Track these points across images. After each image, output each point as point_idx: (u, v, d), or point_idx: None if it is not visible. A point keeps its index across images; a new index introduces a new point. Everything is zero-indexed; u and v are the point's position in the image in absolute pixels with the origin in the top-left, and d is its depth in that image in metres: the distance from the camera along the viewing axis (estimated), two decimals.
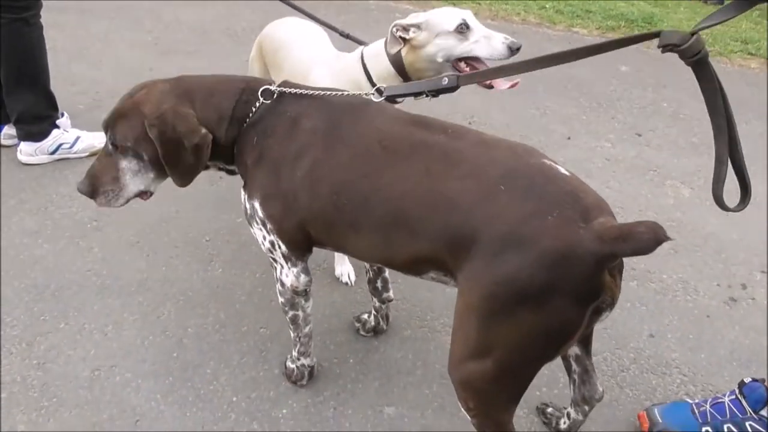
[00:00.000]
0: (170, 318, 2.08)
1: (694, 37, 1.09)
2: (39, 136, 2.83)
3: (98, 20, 4.64)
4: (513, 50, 1.74)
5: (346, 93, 1.49)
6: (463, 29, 1.75)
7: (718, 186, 1.19)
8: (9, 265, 2.28)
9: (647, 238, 1.05)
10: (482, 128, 3.33)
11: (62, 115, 2.96)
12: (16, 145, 2.90)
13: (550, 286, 1.13)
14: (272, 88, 1.49)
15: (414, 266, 1.36)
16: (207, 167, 1.60)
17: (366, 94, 1.44)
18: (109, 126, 1.50)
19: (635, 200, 2.79)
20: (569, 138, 3.31)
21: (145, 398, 1.80)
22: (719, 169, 1.19)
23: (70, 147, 2.89)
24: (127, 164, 1.52)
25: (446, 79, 1.38)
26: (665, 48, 1.13)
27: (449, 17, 1.76)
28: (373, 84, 1.85)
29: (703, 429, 1.65)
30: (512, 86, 1.75)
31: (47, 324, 2.04)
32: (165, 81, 1.53)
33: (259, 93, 1.49)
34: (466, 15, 1.78)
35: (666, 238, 1.05)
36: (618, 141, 3.30)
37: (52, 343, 1.97)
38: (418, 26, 1.78)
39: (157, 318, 2.08)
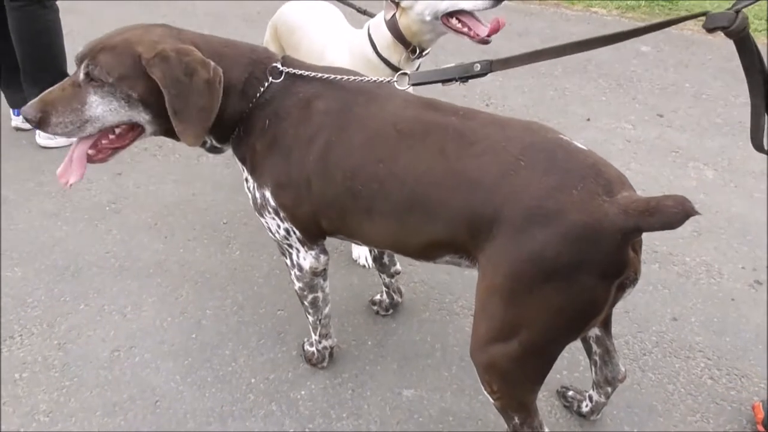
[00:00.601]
0: (188, 299, 2.08)
1: (740, 15, 1.09)
2: None
3: (114, 6, 4.64)
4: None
5: (359, 77, 1.44)
6: None
7: (757, 135, 1.21)
8: (29, 247, 2.29)
9: (675, 212, 1.03)
10: (500, 110, 3.30)
11: None
12: (34, 128, 2.91)
13: (577, 261, 1.10)
14: (280, 67, 1.42)
15: (429, 250, 1.34)
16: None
17: (390, 80, 1.39)
18: (86, 57, 1.33)
19: (657, 182, 2.74)
20: (589, 119, 3.26)
21: (165, 379, 1.81)
22: (756, 121, 1.21)
23: None
24: (97, 99, 1.33)
25: (478, 65, 1.34)
26: (711, 30, 1.12)
27: None
28: (379, 56, 1.82)
29: None
30: (493, 27, 1.69)
31: (67, 305, 2.06)
32: (165, 26, 1.40)
33: (268, 72, 1.41)
34: None
35: (694, 212, 1.03)
36: (639, 122, 3.24)
37: (73, 324, 1.98)
38: None
39: (175, 299, 2.08)
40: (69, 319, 2.00)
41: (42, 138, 2.86)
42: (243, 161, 1.50)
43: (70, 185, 1.40)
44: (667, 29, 4.35)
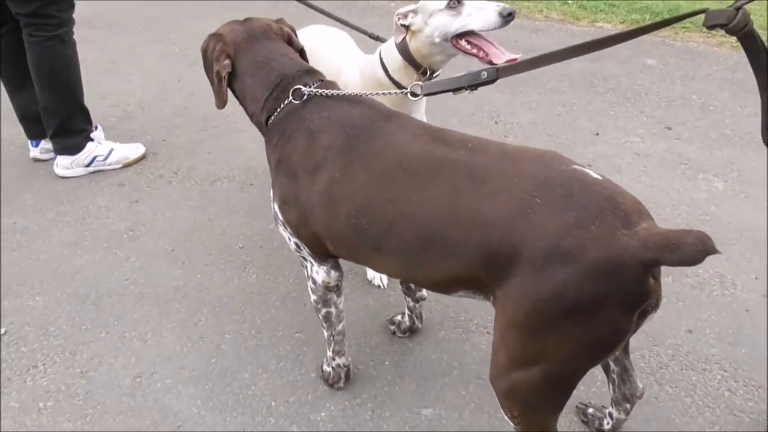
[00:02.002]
0: (207, 324, 2.12)
1: (740, 12, 1.09)
2: (74, 149, 2.90)
3: (126, 34, 4.74)
4: (505, 17, 1.67)
5: (374, 99, 1.48)
6: (454, 5, 1.71)
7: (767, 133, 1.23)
8: (50, 276, 2.34)
9: (695, 250, 1.03)
10: (508, 127, 3.33)
11: (96, 128, 3.03)
12: (53, 158, 2.98)
13: (598, 297, 1.10)
14: (304, 89, 1.49)
15: (443, 285, 1.35)
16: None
17: (404, 92, 1.43)
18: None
19: (667, 195, 2.75)
20: (597, 134, 3.28)
21: (186, 404, 1.84)
22: (766, 117, 1.22)
23: (105, 159, 2.96)
24: None
25: (485, 72, 1.37)
26: (711, 27, 1.13)
27: None
28: (391, 79, 1.86)
29: None
30: (509, 61, 1.68)
31: (89, 333, 2.09)
32: (248, 30, 1.64)
33: (291, 92, 1.51)
34: None
35: (714, 251, 1.04)
36: (647, 135, 3.26)
37: (94, 352, 2.02)
38: (414, 11, 1.78)
39: (194, 324, 2.12)
40: (91, 347, 2.04)
41: (60, 168, 2.92)
42: (270, 168, 1.63)
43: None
44: (671, 42, 4.37)
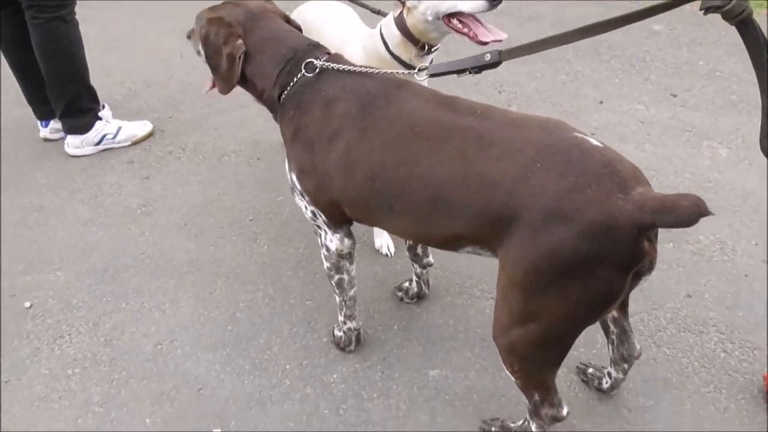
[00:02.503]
0: (222, 294, 2.20)
1: None
2: (83, 128, 2.96)
3: (126, 12, 4.74)
4: (492, 2, 1.72)
5: (383, 72, 1.52)
6: None
7: (766, 139, 1.22)
8: (68, 252, 2.42)
9: (689, 212, 1.09)
10: (512, 96, 3.36)
11: (103, 106, 3.09)
12: (62, 138, 3.05)
13: (593, 257, 1.17)
14: (316, 62, 1.54)
15: (451, 243, 1.42)
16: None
17: (411, 72, 1.47)
18: (202, 11, 1.72)
19: (671, 162, 2.79)
20: (601, 102, 3.31)
21: (206, 369, 1.93)
22: (766, 123, 1.21)
23: (114, 137, 3.02)
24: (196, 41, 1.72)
25: (488, 55, 1.41)
26: (708, 10, 1.13)
27: None
28: (391, 53, 1.91)
29: None
30: (495, 41, 1.75)
31: (109, 305, 2.18)
32: (247, 10, 1.67)
33: (303, 65, 1.55)
34: None
35: (708, 213, 1.09)
36: (652, 103, 3.28)
37: (116, 322, 2.11)
38: None
39: (209, 294, 2.20)
40: (112, 317, 2.13)
41: (71, 147, 2.99)
42: (284, 142, 1.67)
43: (204, 92, 1.84)
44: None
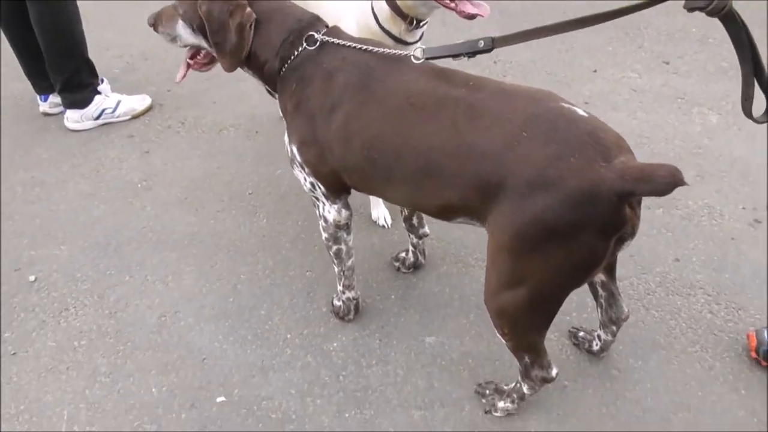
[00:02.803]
0: (223, 267, 2.25)
1: None
2: (82, 103, 2.98)
3: None
4: None
5: (382, 50, 1.54)
6: None
7: (747, 103, 1.29)
8: (71, 226, 2.47)
9: (666, 182, 1.14)
10: (507, 66, 3.37)
11: (102, 81, 3.10)
12: (62, 112, 3.07)
13: (576, 222, 1.22)
14: (317, 36, 1.56)
15: (444, 212, 1.47)
16: (251, 74, 1.71)
17: (405, 55, 1.50)
18: None
19: (662, 129, 2.83)
20: (595, 71, 3.33)
21: (209, 339, 1.99)
22: (746, 90, 1.28)
23: (113, 111, 3.04)
24: (180, 24, 1.68)
25: (482, 41, 1.44)
26: (691, 10, 1.18)
27: None
28: (381, 27, 1.93)
29: None
30: (477, 14, 1.78)
31: (113, 278, 2.24)
32: None
33: (304, 39, 1.57)
34: None
35: (683, 183, 1.14)
36: (645, 71, 3.30)
37: (120, 295, 2.17)
38: None
39: (211, 267, 2.26)
40: (116, 290, 2.19)
41: (70, 122, 3.01)
42: (283, 115, 1.69)
43: (178, 80, 1.85)
44: None
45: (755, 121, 1.30)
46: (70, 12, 2.80)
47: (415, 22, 1.90)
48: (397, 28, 1.91)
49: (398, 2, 1.86)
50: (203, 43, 1.68)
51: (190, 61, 1.81)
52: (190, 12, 1.63)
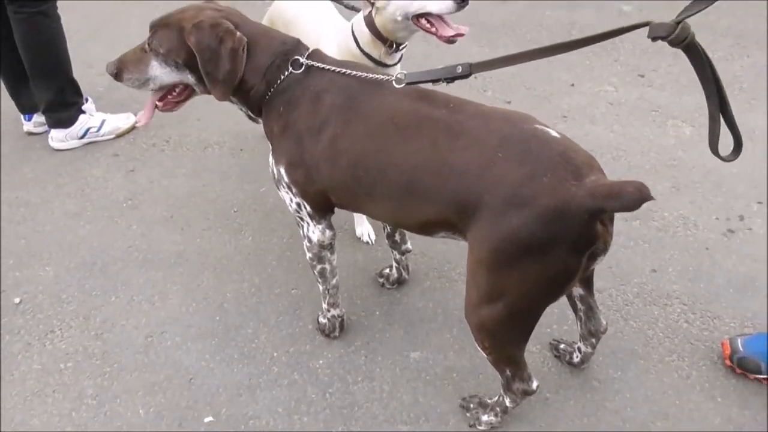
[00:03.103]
0: (209, 285, 2.27)
1: (680, 26, 1.16)
2: (67, 122, 2.99)
3: (107, 1, 4.72)
4: (459, 3, 1.80)
5: (365, 75, 1.57)
6: None
7: (714, 140, 1.31)
8: (57, 247, 2.48)
9: (633, 198, 1.19)
10: (488, 81, 3.43)
11: (86, 100, 3.12)
12: (46, 131, 3.07)
13: (549, 238, 1.27)
14: (302, 60, 1.59)
15: (425, 228, 1.52)
16: (231, 101, 1.69)
17: (388, 79, 1.53)
18: (152, 28, 1.63)
19: (638, 142, 2.89)
20: (573, 85, 3.40)
21: (196, 358, 2.01)
22: (713, 127, 1.30)
23: (98, 130, 3.05)
24: (156, 64, 1.63)
25: (460, 67, 1.48)
26: (654, 39, 1.21)
27: None
28: (362, 50, 1.98)
29: None
30: (457, 35, 1.85)
31: (99, 298, 2.25)
32: (216, 10, 1.61)
33: (290, 63, 1.59)
34: None
35: (650, 198, 1.19)
36: (621, 84, 3.38)
37: (106, 315, 2.18)
38: None
39: (197, 286, 2.27)
40: (102, 311, 2.20)
41: (55, 141, 3.02)
42: (268, 138, 1.71)
43: (141, 126, 1.80)
44: None
45: (722, 159, 1.31)
46: (54, 31, 2.81)
47: (394, 45, 1.95)
48: (377, 51, 1.96)
49: (378, 26, 1.91)
50: (186, 78, 1.65)
51: (159, 104, 1.75)
52: (174, 47, 1.58)
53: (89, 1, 4.67)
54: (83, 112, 3.04)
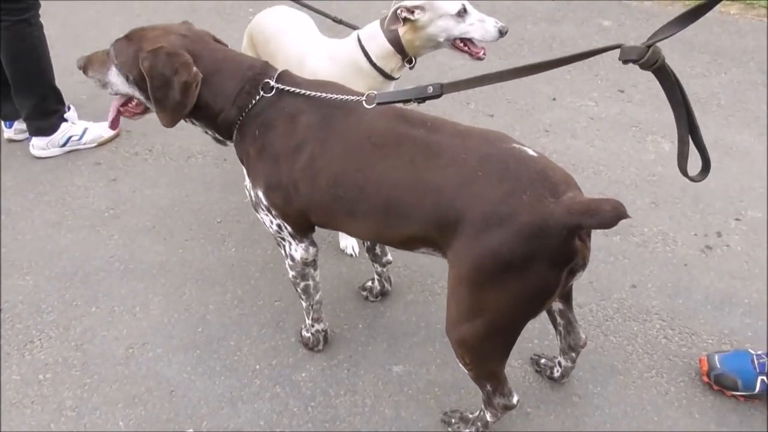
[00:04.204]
0: (192, 297, 2.27)
1: (651, 49, 1.19)
2: (49, 130, 2.96)
3: (87, 6, 4.69)
4: (502, 33, 2.01)
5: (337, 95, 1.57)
6: (462, 13, 1.97)
7: (683, 161, 1.32)
8: (37, 256, 2.45)
9: (610, 215, 1.22)
10: (470, 94, 3.46)
11: (69, 108, 3.09)
12: (27, 139, 3.04)
13: (528, 255, 1.30)
14: (272, 83, 1.59)
15: (406, 244, 1.54)
16: (194, 124, 1.70)
17: (357, 99, 1.54)
18: (118, 39, 1.64)
19: (618, 157, 2.94)
20: (554, 99, 3.44)
21: (177, 370, 2.00)
22: (682, 148, 1.32)
23: (79, 138, 3.03)
24: (113, 71, 1.65)
25: (431, 87, 1.49)
26: (626, 62, 1.23)
27: (452, 2, 1.95)
28: (373, 64, 2.01)
29: (759, 378, 1.80)
30: (484, 52, 2.07)
31: (80, 309, 2.23)
32: (182, 35, 1.61)
33: (260, 87, 1.59)
34: (465, 1, 1.98)
35: (626, 216, 1.21)
36: (601, 99, 3.43)
37: (87, 326, 2.16)
38: (422, 8, 1.94)
39: (179, 297, 2.26)
40: (83, 321, 2.18)
41: (36, 149, 2.99)
42: (242, 162, 1.71)
43: (110, 127, 1.82)
44: (627, 2, 4.47)
45: (691, 179, 1.33)
46: (37, 39, 2.79)
47: (412, 60, 2.00)
48: (391, 65, 2.00)
49: (404, 41, 1.95)
50: (137, 94, 1.66)
51: (121, 108, 1.76)
52: (128, 63, 1.60)
53: (70, 8, 4.64)
54: (65, 120, 3.01)
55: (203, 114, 1.64)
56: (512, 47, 3.98)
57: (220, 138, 1.73)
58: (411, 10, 1.93)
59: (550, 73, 3.73)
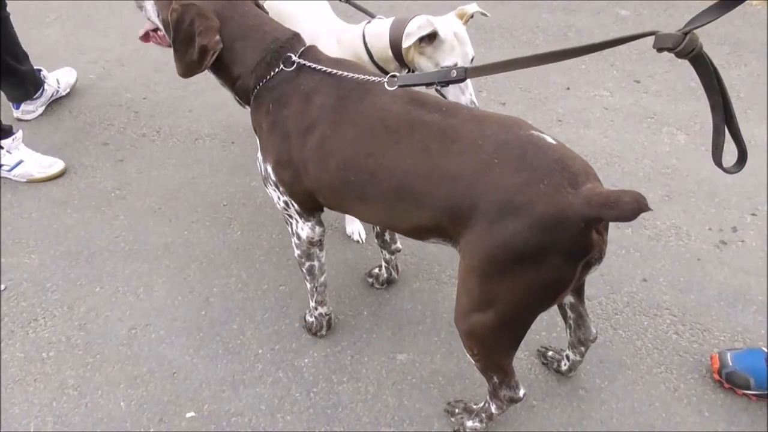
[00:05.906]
0: (196, 279, 2.25)
1: (687, 37, 1.12)
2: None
3: None
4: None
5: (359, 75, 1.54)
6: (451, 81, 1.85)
7: (717, 153, 1.27)
8: (43, 235, 2.44)
9: (630, 208, 1.16)
10: (482, 82, 3.41)
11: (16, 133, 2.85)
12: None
13: (544, 246, 1.25)
14: (294, 58, 1.56)
15: (416, 233, 1.50)
16: (215, 76, 1.70)
17: (381, 80, 1.51)
18: None
19: (632, 149, 2.88)
20: (568, 88, 3.38)
21: (180, 353, 1.99)
22: (717, 139, 1.26)
23: (9, 170, 2.73)
24: (152, 2, 1.70)
25: (455, 71, 1.45)
26: (660, 50, 1.17)
27: (454, 58, 1.85)
28: (372, 60, 1.96)
29: None
30: None
31: (84, 288, 2.22)
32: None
33: (281, 60, 1.56)
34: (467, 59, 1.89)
35: (647, 208, 1.16)
36: (616, 89, 3.37)
37: (91, 306, 2.15)
38: (433, 46, 1.85)
39: (183, 279, 2.25)
40: (87, 301, 2.17)
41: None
42: (255, 132, 1.69)
43: (140, 36, 1.86)
44: None
45: (726, 171, 1.27)
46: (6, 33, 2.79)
47: (410, 69, 1.94)
48: (391, 67, 1.95)
49: (405, 55, 1.88)
50: (163, 31, 1.71)
51: (151, 33, 1.82)
52: (162, 4, 1.63)
53: None
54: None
55: (223, 75, 1.66)
56: (527, 35, 3.91)
57: (239, 100, 1.72)
58: (430, 42, 1.83)
59: (565, 62, 3.67)
